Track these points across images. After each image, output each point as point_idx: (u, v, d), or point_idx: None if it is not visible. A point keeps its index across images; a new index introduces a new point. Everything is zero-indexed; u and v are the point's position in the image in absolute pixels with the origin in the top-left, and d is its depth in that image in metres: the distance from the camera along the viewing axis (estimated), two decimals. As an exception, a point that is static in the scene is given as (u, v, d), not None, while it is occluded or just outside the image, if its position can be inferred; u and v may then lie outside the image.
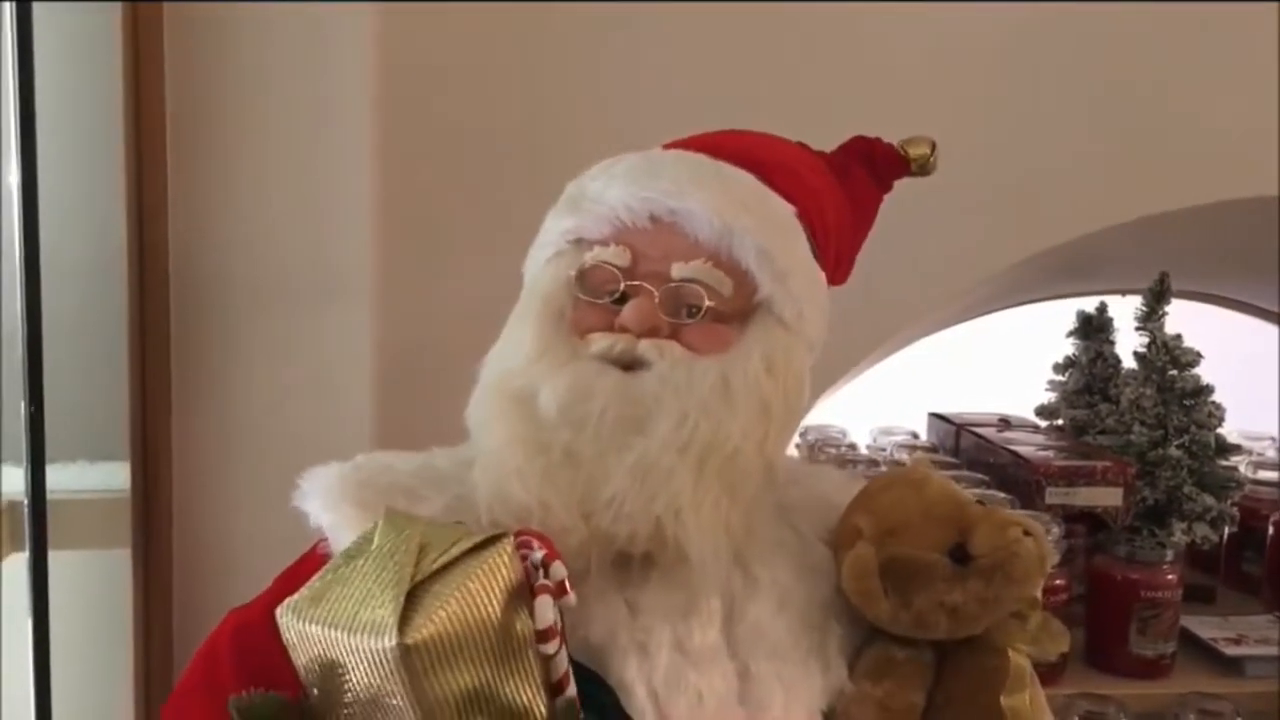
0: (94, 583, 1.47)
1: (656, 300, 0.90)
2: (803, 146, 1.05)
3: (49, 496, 1.35)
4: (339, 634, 0.72)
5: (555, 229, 0.97)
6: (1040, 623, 0.94)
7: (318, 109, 1.47)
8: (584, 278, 0.93)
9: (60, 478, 1.41)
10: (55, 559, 1.36)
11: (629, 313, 0.90)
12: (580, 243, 0.95)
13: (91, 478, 1.46)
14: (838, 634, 0.92)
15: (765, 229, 0.93)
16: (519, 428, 0.88)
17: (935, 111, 1.73)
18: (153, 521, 1.47)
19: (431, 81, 1.62)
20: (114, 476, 1.46)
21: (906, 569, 0.90)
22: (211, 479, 1.50)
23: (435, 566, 0.73)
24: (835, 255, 1.02)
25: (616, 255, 0.92)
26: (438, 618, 0.71)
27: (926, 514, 0.93)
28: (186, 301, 1.48)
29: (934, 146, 1.06)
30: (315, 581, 0.76)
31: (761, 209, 0.94)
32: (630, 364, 0.89)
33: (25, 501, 1.34)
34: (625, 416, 0.87)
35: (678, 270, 0.91)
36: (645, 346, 0.89)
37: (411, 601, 0.71)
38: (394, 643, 0.70)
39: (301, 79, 1.47)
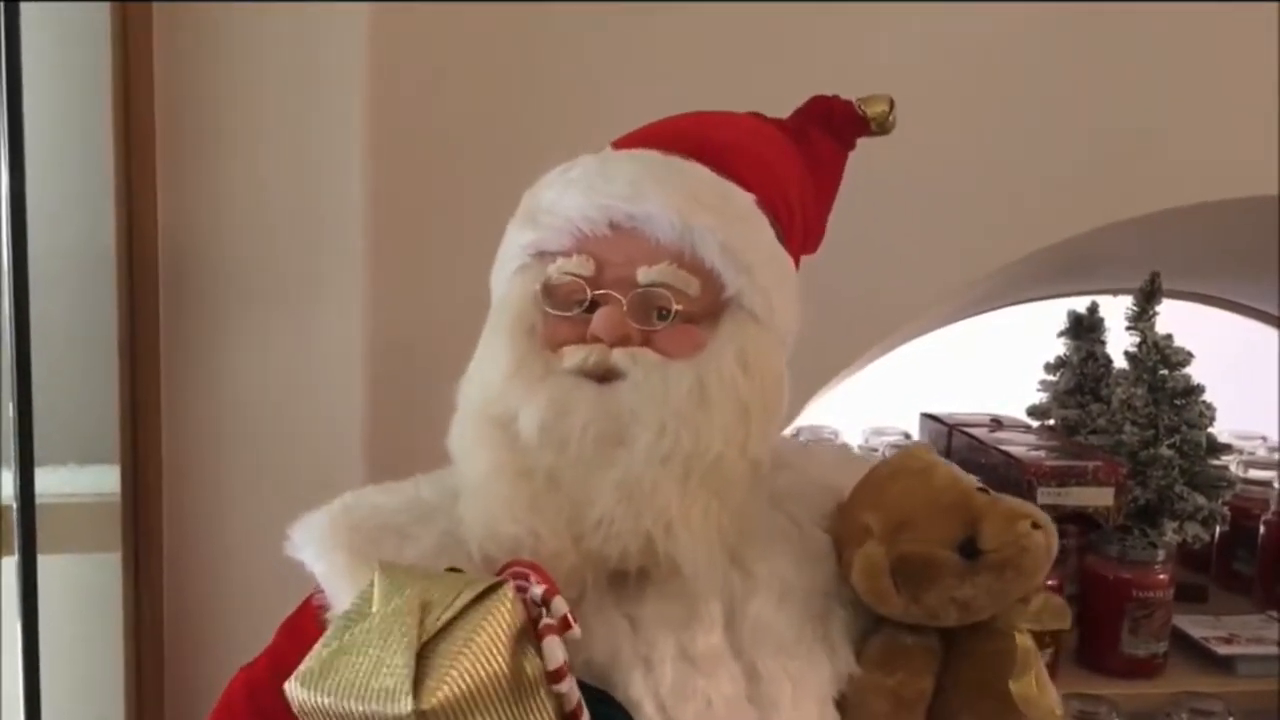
0: (84, 587, 1.46)
1: (625, 307, 0.90)
2: (757, 117, 1.04)
3: (38, 500, 1.34)
4: (352, 704, 0.72)
5: (516, 242, 0.96)
6: (1043, 603, 0.94)
7: (309, 109, 1.46)
8: (550, 291, 0.92)
9: (49, 481, 1.39)
10: (45, 563, 1.35)
11: (599, 322, 0.89)
12: (543, 255, 0.94)
13: (81, 481, 1.45)
14: (840, 618, 0.92)
15: (726, 224, 0.92)
16: (502, 455, 0.87)
17: (930, 109, 1.73)
18: (143, 525, 1.46)
19: (423, 80, 1.61)
20: (104, 479, 1.45)
21: (917, 567, 0.90)
22: (202, 482, 1.49)
23: (440, 624, 0.74)
24: (802, 229, 1.02)
25: (580, 265, 0.91)
26: (450, 678, 0.71)
27: (933, 505, 0.92)
28: (176, 303, 1.47)
29: (892, 104, 1.06)
30: (321, 650, 0.76)
31: (720, 203, 0.93)
32: (605, 375, 0.89)
33: (14, 505, 1.33)
34: (605, 432, 0.87)
35: (643, 275, 0.90)
36: (619, 356, 0.89)
37: (421, 663, 0.72)
38: (409, 709, 0.70)
39: (292, 79, 1.46)
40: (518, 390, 0.89)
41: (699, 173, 0.95)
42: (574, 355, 0.89)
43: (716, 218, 0.92)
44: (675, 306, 0.90)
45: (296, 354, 1.48)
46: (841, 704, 0.90)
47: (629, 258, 0.91)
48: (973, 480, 0.96)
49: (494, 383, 0.90)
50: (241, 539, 1.48)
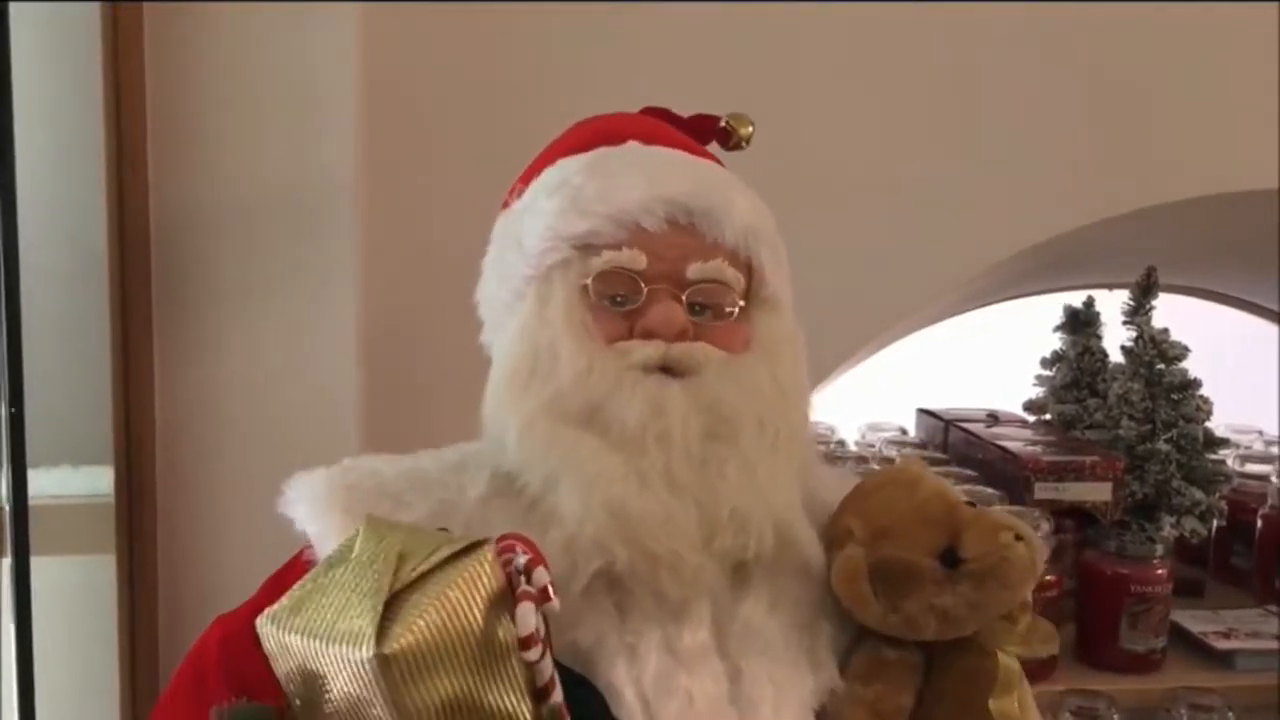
0: (78, 589, 1.45)
1: (684, 303, 0.90)
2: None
3: (32, 502, 1.33)
4: (318, 644, 0.72)
5: (555, 233, 0.92)
6: (1029, 624, 0.94)
7: (300, 109, 1.46)
8: (603, 285, 0.90)
9: (43, 482, 1.39)
10: (38, 565, 1.34)
11: (658, 318, 0.89)
12: (587, 248, 0.91)
13: (75, 482, 1.45)
14: (827, 633, 0.92)
15: (768, 224, 0.95)
16: (604, 458, 0.85)
17: (924, 105, 1.73)
18: (137, 526, 1.46)
19: (414, 75, 1.61)
20: (98, 481, 1.45)
21: (896, 572, 0.90)
22: (196, 482, 1.48)
23: (415, 575, 0.73)
24: None
25: (632, 259, 0.90)
26: (416, 627, 0.70)
27: (918, 515, 0.92)
28: (169, 303, 1.46)
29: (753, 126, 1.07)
30: (295, 590, 0.76)
31: (757, 203, 0.96)
32: (669, 370, 0.88)
33: (7, 507, 1.33)
34: (705, 426, 0.87)
35: (694, 271, 0.90)
36: (680, 351, 0.89)
37: (390, 611, 0.71)
38: (372, 653, 0.69)
39: (284, 79, 1.45)
40: (599, 387, 0.87)
41: (728, 173, 0.97)
42: (639, 350, 0.88)
43: (763, 220, 0.95)
44: (739, 304, 0.91)
45: (291, 353, 1.48)
46: (822, 716, 0.89)
47: (681, 254, 0.90)
48: (960, 495, 0.96)
49: (564, 380, 0.88)
50: (236, 539, 1.47)
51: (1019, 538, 0.90)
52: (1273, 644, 1.59)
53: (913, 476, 0.96)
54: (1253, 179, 1.78)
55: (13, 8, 1.29)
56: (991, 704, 0.89)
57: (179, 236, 1.46)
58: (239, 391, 1.48)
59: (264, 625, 0.75)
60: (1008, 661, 0.91)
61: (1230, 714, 1.46)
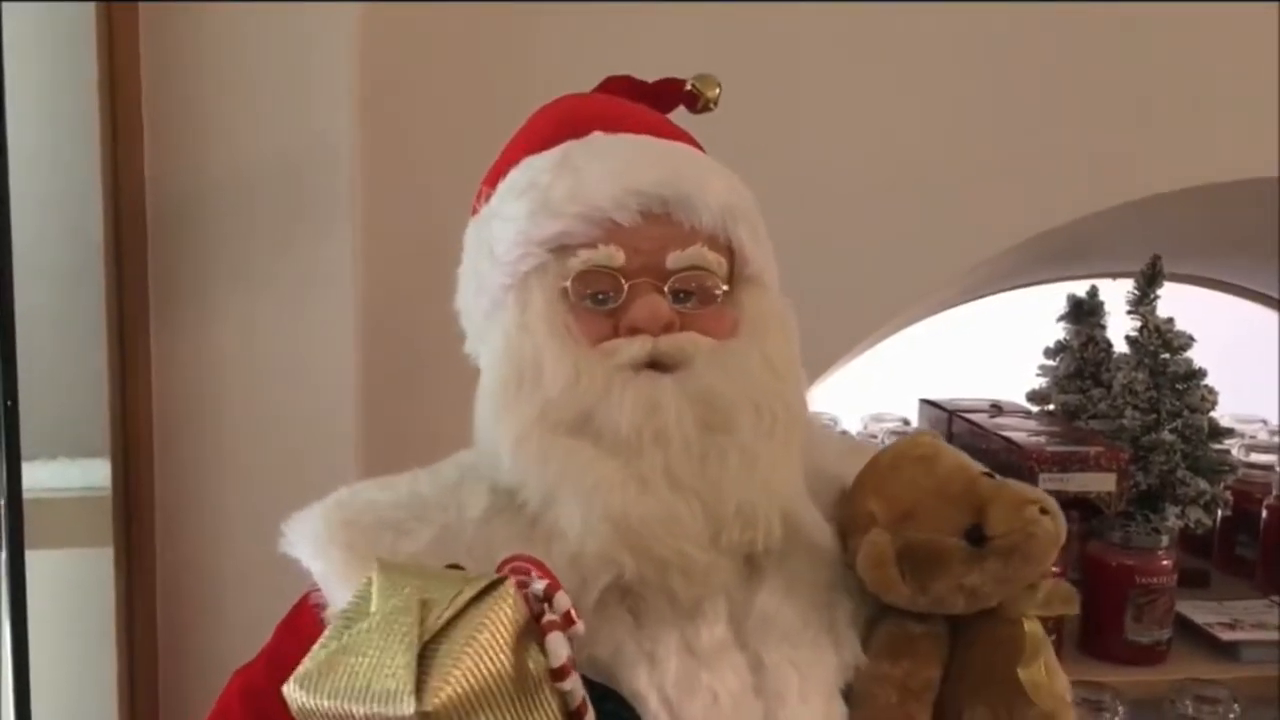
0: (75, 583, 1.44)
1: (666, 295, 0.88)
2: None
3: (27, 495, 1.32)
4: (354, 706, 0.70)
5: (527, 238, 0.90)
6: (1050, 588, 0.92)
7: (297, 108, 1.45)
8: (583, 285, 0.88)
9: (39, 475, 1.38)
10: (34, 559, 1.33)
11: (641, 312, 0.87)
12: (563, 249, 0.89)
13: (71, 475, 1.44)
14: (846, 608, 0.90)
15: (745, 201, 0.93)
16: (603, 466, 0.83)
17: (926, 94, 1.72)
18: (135, 519, 1.45)
19: (411, 73, 1.60)
20: (94, 473, 1.44)
21: (924, 555, 0.88)
22: (194, 474, 1.47)
23: (441, 623, 0.72)
24: None
25: (610, 257, 0.88)
26: (453, 678, 0.69)
27: (940, 494, 0.90)
28: (166, 294, 1.46)
29: (720, 86, 1.04)
30: (319, 651, 0.74)
31: (734, 182, 0.94)
32: (657, 365, 0.87)
33: (1, 500, 1.31)
34: (700, 419, 0.85)
35: (674, 260, 0.88)
36: (668, 344, 0.87)
37: (423, 663, 0.70)
38: (413, 710, 0.68)
39: (281, 79, 1.44)
40: (589, 394, 0.85)
41: (699, 154, 0.95)
42: (626, 349, 0.86)
43: (740, 198, 0.92)
44: (722, 287, 0.90)
45: (289, 344, 1.47)
46: (848, 695, 0.88)
47: (660, 244, 0.88)
48: (978, 466, 0.94)
49: (553, 390, 0.85)
50: (235, 532, 1.46)
51: (1044, 510, 0.89)
52: (1277, 635, 1.58)
53: (929, 450, 0.93)
54: (1253, 167, 1.77)
55: (5, 6, 1.28)
56: (1020, 672, 0.87)
57: (175, 228, 1.45)
58: (236, 383, 1.47)
59: (293, 691, 0.73)
60: (1033, 627, 0.90)
61: (1236, 705, 1.45)
